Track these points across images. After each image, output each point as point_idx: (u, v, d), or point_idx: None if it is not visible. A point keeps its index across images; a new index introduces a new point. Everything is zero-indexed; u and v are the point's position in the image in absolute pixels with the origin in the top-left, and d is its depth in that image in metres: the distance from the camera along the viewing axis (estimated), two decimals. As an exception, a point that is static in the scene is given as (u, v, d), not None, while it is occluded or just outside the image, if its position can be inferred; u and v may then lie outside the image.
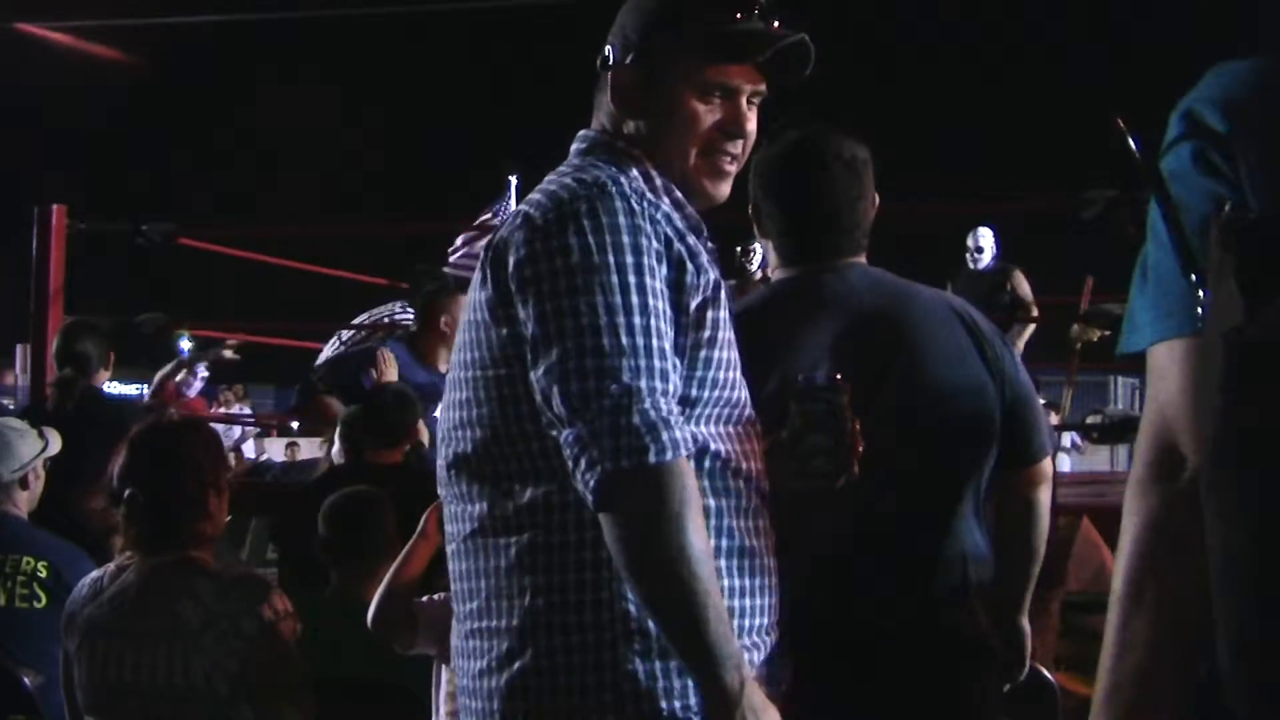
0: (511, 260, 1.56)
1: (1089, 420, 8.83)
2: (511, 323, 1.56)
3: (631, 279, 1.52)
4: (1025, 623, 2.50)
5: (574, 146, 1.73)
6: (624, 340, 1.49)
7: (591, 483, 1.46)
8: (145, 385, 12.29)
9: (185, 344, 8.39)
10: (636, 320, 1.51)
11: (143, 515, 2.53)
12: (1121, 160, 1.13)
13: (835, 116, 2.32)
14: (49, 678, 2.89)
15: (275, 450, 12.74)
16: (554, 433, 1.51)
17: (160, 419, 2.70)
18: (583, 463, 1.47)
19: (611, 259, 1.52)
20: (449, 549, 1.67)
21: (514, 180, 8.66)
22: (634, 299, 1.51)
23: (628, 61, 1.68)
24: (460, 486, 1.63)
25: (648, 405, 1.47)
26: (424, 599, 2.56)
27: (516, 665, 1.54)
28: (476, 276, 1.63)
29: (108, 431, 2.83)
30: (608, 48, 1.71)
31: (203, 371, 8.09)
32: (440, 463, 1.67)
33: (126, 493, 2.54)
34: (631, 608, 1.53)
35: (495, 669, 1.56)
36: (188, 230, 6.23)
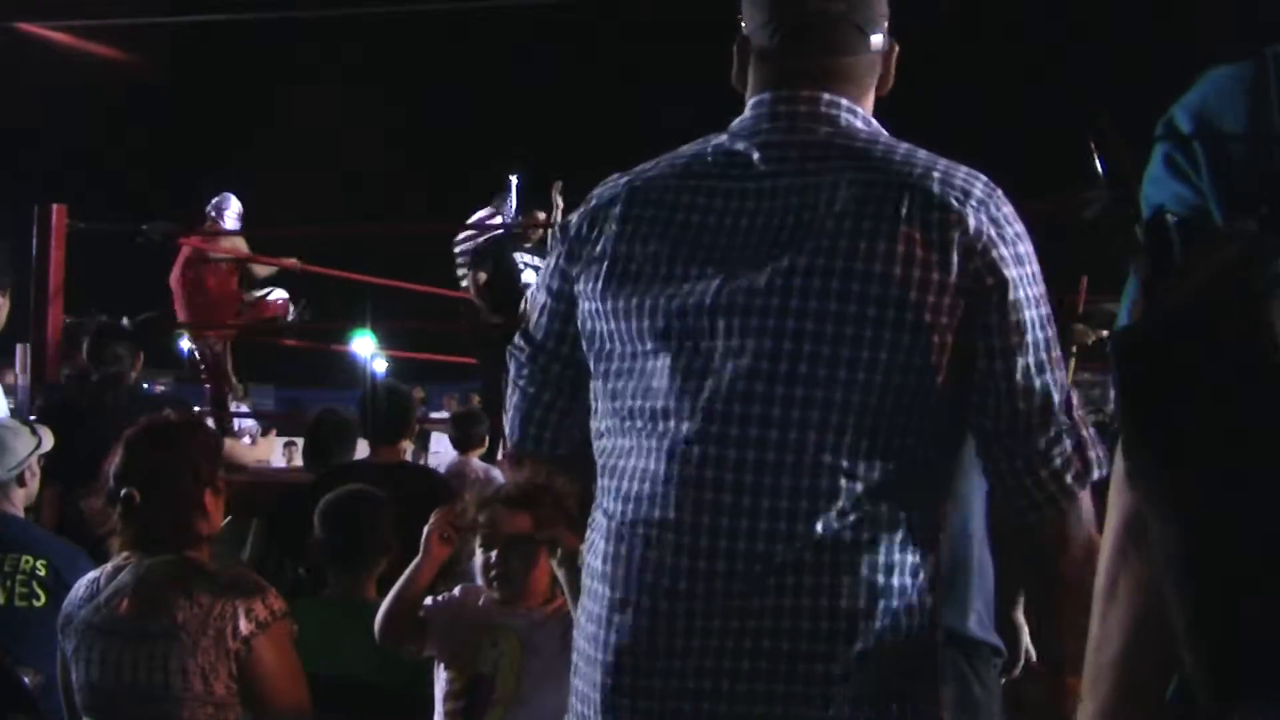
0: (997, 251, 1.49)
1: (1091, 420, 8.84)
2: (939, 299, 1.46)
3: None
4: (1020, 617, 2.50)
5: (861, 120, 1.60)
6: (1060, 354, 1.52)
7: (1068, 486, 1.48)
8: (146, 384, 12.26)
9: (185, 344, 8.38)
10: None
11: (138, 515, 2.53)
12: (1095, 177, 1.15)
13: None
14: (49, 677, 2.89)
15: (275, 451, 12.71)
16: (1003, 425, 1.48)
17: (157, 419, 2.69)
18: (1058, 461, 1.48)
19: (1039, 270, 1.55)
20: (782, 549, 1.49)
21: (514, 180, 8.66)
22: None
23: (884, 43, 1.64)
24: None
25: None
26: (429, 602, 2.57)
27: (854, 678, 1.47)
28: (904, 249, 1.46)
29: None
30: (865, 25, 1.60)
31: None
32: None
33: (123, 492, 2.54)
34: (928, 620, 1.51)
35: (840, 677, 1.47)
36: (188, 230, 6.24)
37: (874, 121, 1.61)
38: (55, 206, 5.58)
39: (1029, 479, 1.49)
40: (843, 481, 1.46)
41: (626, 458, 1.54)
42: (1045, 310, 1.51)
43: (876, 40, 1.61)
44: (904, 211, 1.47)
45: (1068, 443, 1.49)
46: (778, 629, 1.45)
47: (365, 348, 8.60)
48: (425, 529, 2.47)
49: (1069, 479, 1.49)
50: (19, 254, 5.34)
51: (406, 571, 2.53)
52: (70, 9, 14.19)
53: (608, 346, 1.57)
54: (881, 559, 1.48)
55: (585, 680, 1.55)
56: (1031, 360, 1.48)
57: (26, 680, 3.02)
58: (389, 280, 8.54)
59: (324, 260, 8.26)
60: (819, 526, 1.45)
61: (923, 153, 1.56)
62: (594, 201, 1.64)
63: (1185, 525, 0.97)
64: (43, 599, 3.20)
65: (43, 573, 3.22)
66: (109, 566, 2.58)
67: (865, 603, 1.46)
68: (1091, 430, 1.52)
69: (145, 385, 8.35)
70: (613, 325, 1.56)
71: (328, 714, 2.66)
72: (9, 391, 5.09)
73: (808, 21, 1.59)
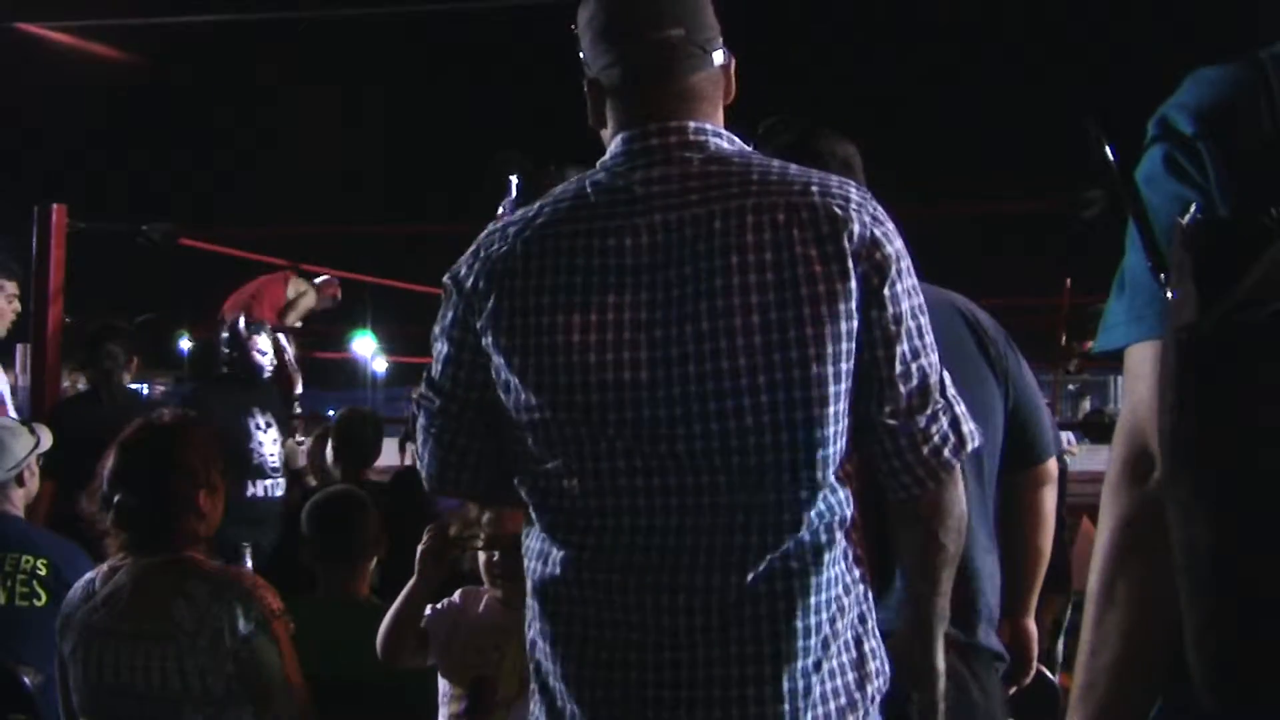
0: (880, 252, 1.56)
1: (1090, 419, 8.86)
2: (844, 305, 1.53)
3: None
4: (1031, 625, 2.50)
5: (726, 139, 1.66)
6: (933, 339, 1.62)
7: (945, 459, 1.60)
8: (145, 385, 12.25)
9: (185, 343, 8.39)
10: None
11: (133, 519, 2.51)
12: (1101, 166, 1.15)
13: (837, 119, 2.32)
14: (49, 676, 2.89)
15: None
16: (887, 409, 1.57)
17: (151, 419, 2.68)
18: (937, 438, 1.59)
19: None
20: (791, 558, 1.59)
21: (514, 180, 8.63)
22: None
23: (725, 58, 1.69)
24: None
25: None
26: (429, 611, 2.57)
27: (812, 659, 1.56)
28: (804, 270, 1.53)
29: None
30: (705, 45, 1.65)
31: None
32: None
33: (116, 497, 2.52)
34: (864, 589, 1.62)
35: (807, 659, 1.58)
36: (188, 230, 6.24)
37: (736, 139, 1.67)
38: (55, 206, 5.57)
39: (912, 455, 1.59)
40: (792, 497, 1.54)
41: (586, 498, 1.59)
42: (919, 299, 1.61)
43: (718, 57, 1.67)
44: (796, 231, 1.54)
45: (944, 420, 1.60)
46: (760, 654, 1.54)
47: (365, 348, 8.59)
48: (419, 549, 2.47)
49: (947, 453, 1.60)
50: (19, 254, 5.34)
51: (404, 592, 2.53)
52: (70, 9, 14.20)
53: (530, 399, 1.59)
54: (831, 563, 1.57)
55: (564, 697, 1.61)
56: (908, 347, 1.57)
57: (26, 680, 3.02)
58: (389, 280, 8.55)
59: (324, 260, 8.26)
60: (782, 546, 1.55)
61: (793, 167, 1.63)
62: (483, 254, 1.65)
63: (1221, 523, 0.97)
64: (43, 598, 3.19)
65: (43, 572, 3.22)
66: (105, 567, 2.57)
67: (825, 608, 1.57)
68: (963, 407, 1.63)
69: (144, 386, 8.33)
70: (533, 378, 1.58)
71: (325, 714, 2.65)
72: (10, 391, 5.10)
73: (650, 53, 1.64)
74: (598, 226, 1.59)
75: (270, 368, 5.20)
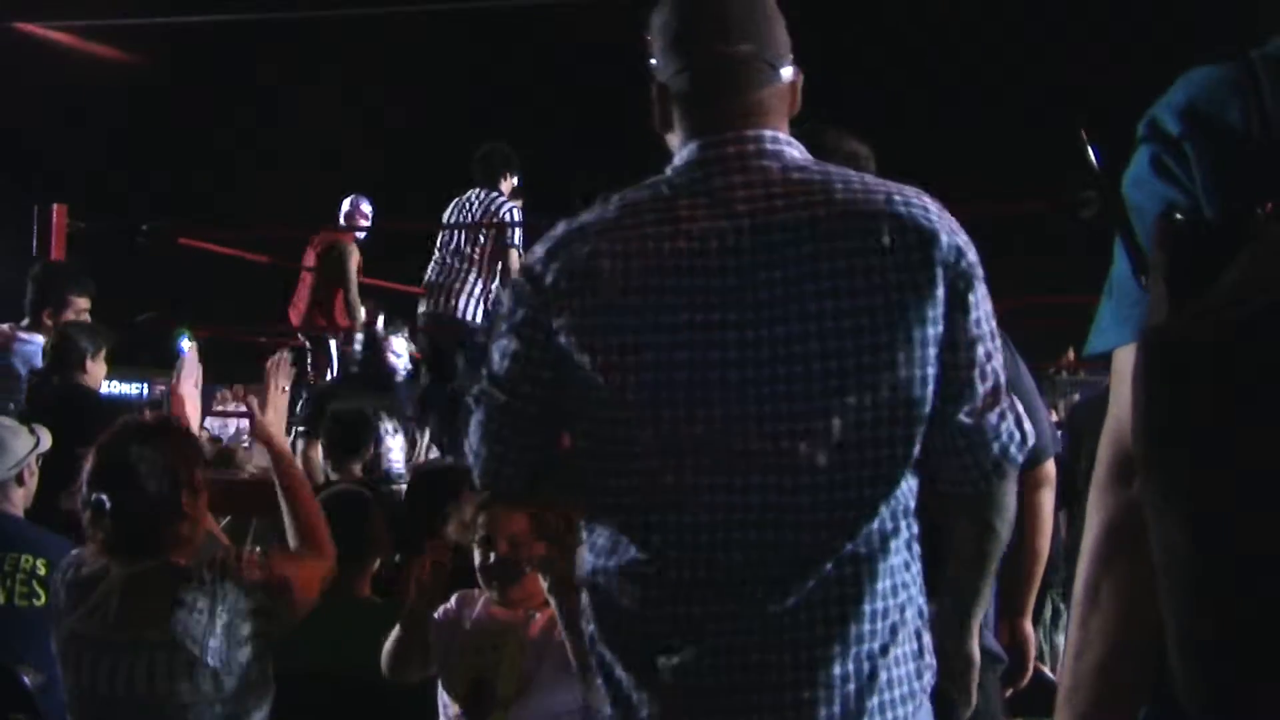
0: (964, 260, 1.60)
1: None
2: (933, 312, 1.57)
3: None
4: (1029, 626, 2.50)
5: (798, 150, 1.69)
6: (1000, 340, 1.68)
7: (1011, 455, 1.65)
8: (145, 384, 12.24)
9: (186, 344, 8.38)
10: None
11: (111, 522, 2.49)
12: (1087, 170, 1.15)
13: (838, 117, 2.32)
14: (49, 676, 2.89)
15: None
16: (965, 408, 1.60)
17: (130, 420, 2.66)
18: (1005, 435, 1.63)
19: None
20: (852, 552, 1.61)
21: (514, 180, 8.62)
22: None
23: (793, 74, 1.72)
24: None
25: None
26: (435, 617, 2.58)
27: (878, 646, 1.60)
28: (896, 276, 1.57)
29: (84, 428, 2.80)
30: (774, 61, 1.68)
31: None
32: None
33: (94, 498, 2.50)
34: (921, 581, 1.66)
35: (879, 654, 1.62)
36: (188, 230, 6.24)
37: (803, 148, 1.70)
38: (55, 206, 5.58)
39: (982, 452, 1.63)
40: (870, 494, 1.58)
41: (666, 494, 1.60)
42: (990, 304, 1.65)
43: (786, 73, 1.70)
44: (885, 240, 1.57)
45: (1010, 419, 1.65)
46: (829, 636, 1.57)
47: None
48: (415, 572, 2.47)
49: (1013, 450, 1.66)
50: (19, 254, 5.34)
51: (407, 610, 2.53)
52: (70, 9, 14.19)
53: (614, 397, 1.60)
54: (896, 550, 1.61)
55: (630, 687, 1.63)
56: (982, 351, 1.61)
57: (26, 680, 3.02)
58: (389, 282, 8.53)
59: (324, 260, 8.21)
60: (858, 536, 1.58)
61: (869, 177, 1.66)
62: (563, 253, 1.65)
63: (1200, 526, 0.96)
64: (43, 598, 3.19)
65: (43, 571, 3.22)
66: (85, 571, 2.54)
67: (892, 594, 1.61)
68: (1021, 406, 1.68)
69: (144, 385, 8.25)
70: (618, 377, 1.59)
71: (325, 712, 2.66)
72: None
73: (721, 65, 1.67)
74: (683, 229, 1.60)
75: (405, 371, 5.09)
